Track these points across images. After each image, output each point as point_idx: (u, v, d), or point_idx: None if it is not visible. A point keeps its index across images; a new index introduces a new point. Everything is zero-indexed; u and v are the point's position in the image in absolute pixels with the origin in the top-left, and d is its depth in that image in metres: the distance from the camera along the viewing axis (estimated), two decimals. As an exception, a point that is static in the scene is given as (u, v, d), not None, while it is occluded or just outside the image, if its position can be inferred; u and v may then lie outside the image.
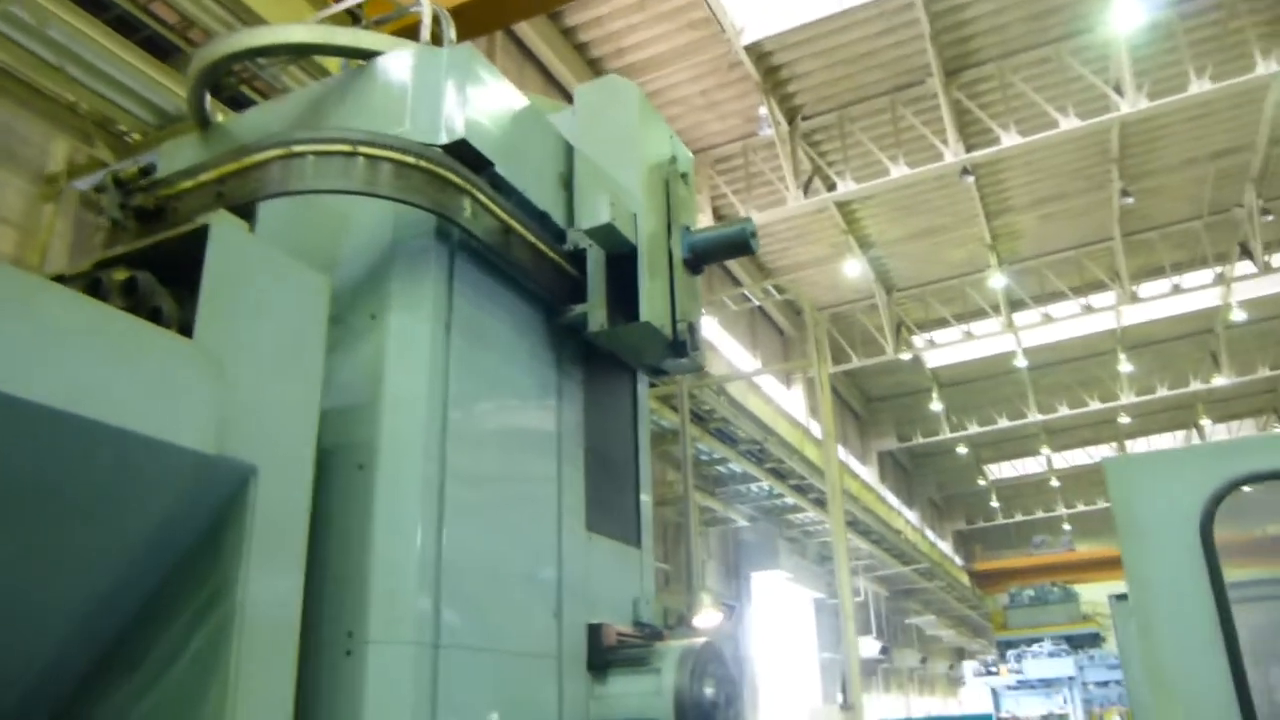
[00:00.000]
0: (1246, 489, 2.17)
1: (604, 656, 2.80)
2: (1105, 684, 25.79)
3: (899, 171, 17.78)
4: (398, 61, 2.74)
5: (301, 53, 2.90)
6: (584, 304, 2.91)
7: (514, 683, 2.48)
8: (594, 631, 2.84)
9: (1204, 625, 2.12)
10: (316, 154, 2.35)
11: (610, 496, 3.18)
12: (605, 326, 2.91)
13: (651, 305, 2.98)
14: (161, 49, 7.47)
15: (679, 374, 3.36)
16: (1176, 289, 24.87)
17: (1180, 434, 38.91)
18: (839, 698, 21.40)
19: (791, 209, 18.89)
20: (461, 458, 2.40)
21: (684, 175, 3.46)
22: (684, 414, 16.18)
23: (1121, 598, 5.46)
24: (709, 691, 2.76)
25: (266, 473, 1.99)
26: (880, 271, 25.55)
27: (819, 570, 26.87)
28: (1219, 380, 30.25)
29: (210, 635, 1.88)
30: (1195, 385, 30.93)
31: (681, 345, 3.13)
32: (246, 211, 2.41)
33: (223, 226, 2.05)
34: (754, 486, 22.64)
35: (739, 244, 3.31)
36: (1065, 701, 26.52)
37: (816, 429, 23.77)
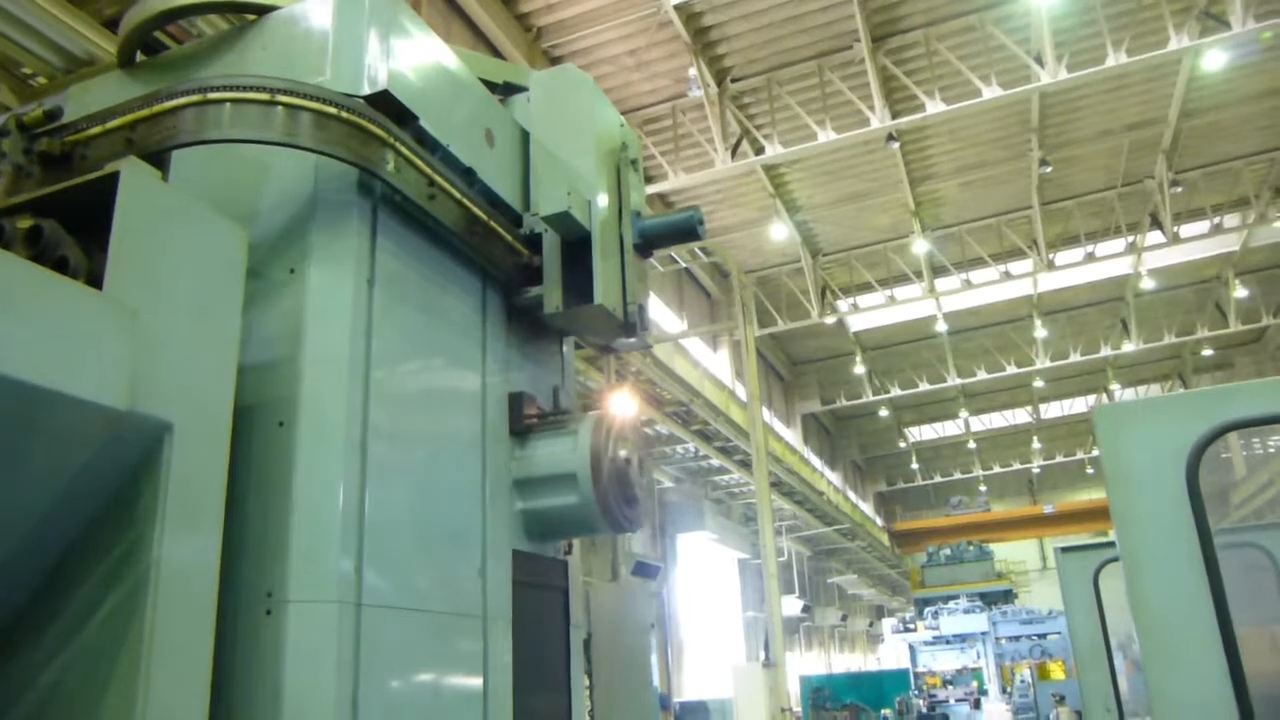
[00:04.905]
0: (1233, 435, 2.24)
1: (524, 423, 3.00)
2: (1017, 639, 26.70)
3: (826, 136, 17.89)
4: (318, 8, 2.65)
5: (243, 10, 2.78)
6: (540, 286, 3.06)
7: (438, 643, 2.47)
8: (515, 399, 3.01)
9: (1190, 568, 2.18)
10: (233, 101, 2.28)
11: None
12: (560, 308, 3.03)
13: (605, 288, 3.09)
14: (68, -10, 7.13)
15: (628, 352, 3.49)
16: (1090, 257, 25.57)
17: (1091, 398, 40.20)
18: (762, 655, 21.85)
19: (719, 171, 18.92)
20: (384, 415, 2.37)
21: (634, 162, 3.57)
22: (610, 375, 16.21)
23: (1068, 550, 5.63)
24: (623, 451, 3.01)
25: (182, 429, 1.93)
26: (806, 235, 25.77)
27: (743, 531, 27.31)
28: (1128, 346, 31.28)
29: (124, 596, 1.84)
30: (1106, 351, 31.94)
31: (631, 326, 3.27)
32: (159, 160, 2.32)
33: (134, 174, 1.97)
34: (680, 448, 22.86)
35: (687, 231, 3.46)
36: (979, 656, 27.40)
37: (742, 391, 24.02)
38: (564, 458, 2.93)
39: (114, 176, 1.94)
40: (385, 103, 2.49)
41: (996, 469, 47.71)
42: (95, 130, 2.40)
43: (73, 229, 2.04)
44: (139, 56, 2.88)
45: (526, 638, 2.85)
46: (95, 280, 1.88)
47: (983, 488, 48.37)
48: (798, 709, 23.48)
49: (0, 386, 1.58)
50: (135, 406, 1.81)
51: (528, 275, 3.09)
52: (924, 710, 25.58)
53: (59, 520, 1.85)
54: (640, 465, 3.14)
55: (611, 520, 2.97)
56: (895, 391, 34.44)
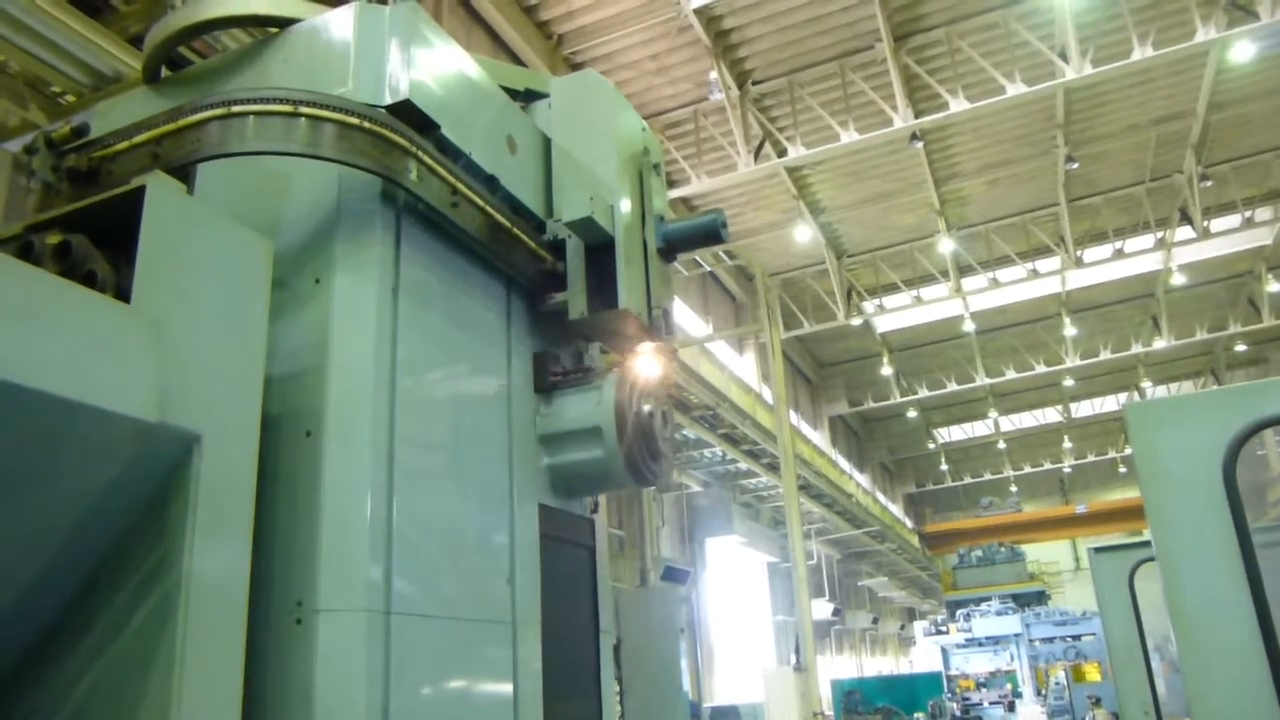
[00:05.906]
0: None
1: (549, 380, 3.06)
2: (1051, 640, 26.37)
3: (849, 137, 17.81)
4: (339, 20, 2.67)
5: (265, 24, 2.81)
6: (564, 292, 3.08)
7: (468, 650, 2.47)
8: (539, 358, 3.07)
9: (1228, 567, 2.15)
10: (257, 114, 2.29)
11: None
12: (585, 313, 3.05)
13: (629, 293, 3.10)
14: (93, 6, 7.22)
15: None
16: (1119, 253, 25.29)
17: (1122, 396, 39.73)
18: (793, 659, 21.74)
19: (742, 174, 18.85)
20: (411, 423, 2.38)
21: (656, 166, 3.57)
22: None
23: (1102, 550, 5.58)
24: (647, 406, 3.05)
25: (210, 440, 1.95)
26: (831, 237, 25.66)
27: (772, 534, 27.19)
28: (1159, 343, 30.90)
29: (156, 607, 1.85)
30: (1137, 348, 31.57)
31: (656, 330, 3.28)
32: (184, 174, 2.35)
33: (159, 188, 1.99)
34: (707, 452, 22.79)
35: (710, 234, 3.47)
36: (1012, 658, 27.11)
37: (769, 394, 23.96)
38: (589, 412, 2.98)
39: (140, 191, 1.96)
40: (407, 112, 2.50)
41: (1027, 469, 47.26)
42: (121, 146, 2.43)
43: (100, 243, 2.06)
44: (164, 72, 2.91)
45: (554, 591, 2.88)
46: (123, 294, 1.90)
47: (1013, 488, 47.91)
48: (829, 712, 23.33)
49: (31, 400, 1.59)
50: (164, 418, 1.83)
51: (552, 281, 3.10)
52: (958, 713, 25.31)
53: (90, 533, 1.86)
54: (665, 419, 3.18)
55: (636, 473, 3.01)
56: (923, 392, 34.21)
